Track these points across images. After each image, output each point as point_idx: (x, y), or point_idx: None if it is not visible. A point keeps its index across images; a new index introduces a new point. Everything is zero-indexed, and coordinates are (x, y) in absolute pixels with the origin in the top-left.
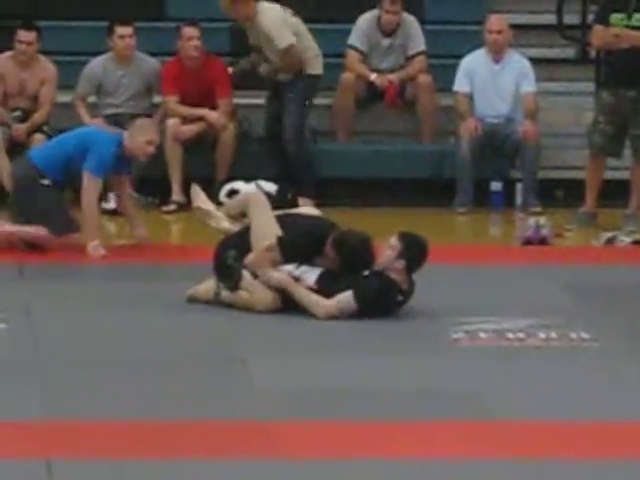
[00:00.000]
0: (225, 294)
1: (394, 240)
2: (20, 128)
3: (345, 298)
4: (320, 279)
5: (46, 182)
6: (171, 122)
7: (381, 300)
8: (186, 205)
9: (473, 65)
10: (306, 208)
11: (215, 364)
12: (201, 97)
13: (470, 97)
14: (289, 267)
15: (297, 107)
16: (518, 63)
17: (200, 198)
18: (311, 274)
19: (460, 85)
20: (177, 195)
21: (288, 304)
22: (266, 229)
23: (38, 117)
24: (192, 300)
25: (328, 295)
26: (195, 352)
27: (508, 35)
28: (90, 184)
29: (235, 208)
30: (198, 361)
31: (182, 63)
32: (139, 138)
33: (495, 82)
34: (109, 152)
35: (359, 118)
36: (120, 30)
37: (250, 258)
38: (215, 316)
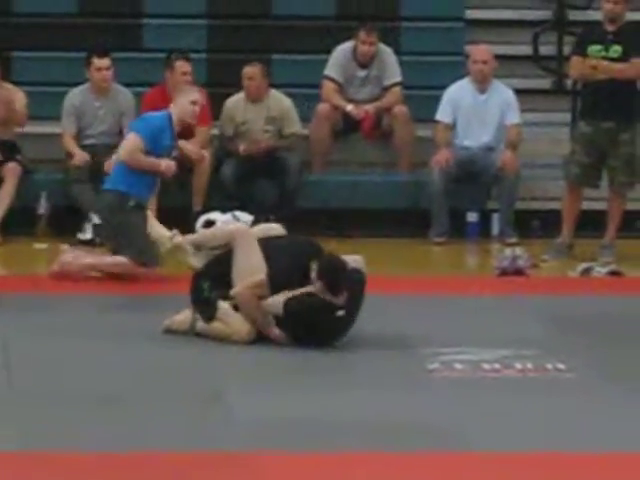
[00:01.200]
0: (201, 325)
1: (314, 265)
2: None
3: (275, 301)
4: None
5: (132, 203)
6: None
7: (308, 315)
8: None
9: (458, 95)
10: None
11: (193, 397)
12: (182, 130)
13: (451, 128)
14: (280, 298)
15: None
16: (503, 93)
17: (159, 230)
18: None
19: (443, 115)
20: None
21: (263, 335)
22: (252, 263)
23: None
24: (168, 331)
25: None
26: (173, 385)
27: (493, 65)
28: (130, 140)
29: (217, 240)
30: (176, 394)
31: (166, 93)
32: (183, 100)
33: (480, 112)
34: (157, 118)
35: (335, 148)
36: (97, 62)
37: (238, 292)
38: (192, 348)
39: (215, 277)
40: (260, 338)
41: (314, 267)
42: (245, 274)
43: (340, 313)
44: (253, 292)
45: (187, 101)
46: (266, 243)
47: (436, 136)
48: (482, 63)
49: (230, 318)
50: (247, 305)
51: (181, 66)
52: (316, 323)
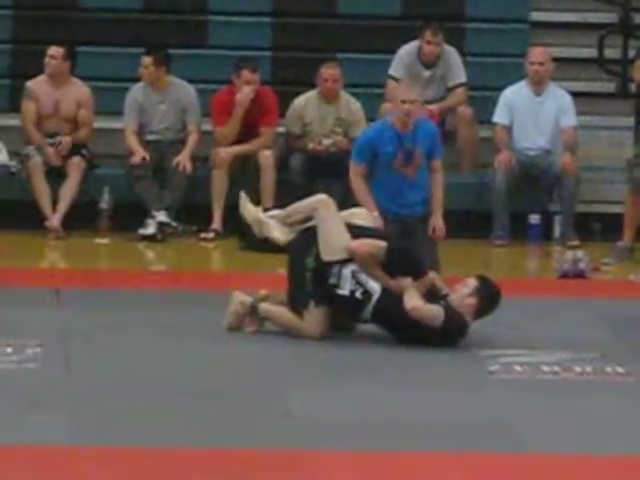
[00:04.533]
0: (265, 307)
1: (471, 279)
2: (62, 144)
3: (436, 308)
4: (384, 292)
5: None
6: (220, 151)
7: (460, 331)
8: (225, 234)
9: (514, 97)
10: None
11: (252, 393)
12: (247, 126)
13: (508, 129)
14: (352, 267)
15: None
16: (559, 97)
17: (247, 206)
18: (373, 284)
19: (499, 117)
20: (217, 224)
21: (332, 335)
22: (340, 230)
23: (80, 135)
24: (232, 326)
25: (385, 310)
26: (233, 381)
27: (550, 67)
28: (351, 170)
29: (300, 213)
30: (236, 390)
31: (234, 94)
32: (394, 102)
33: (535, 115)
34: (365, 135)
35: None
36: (141, 59)
37: (354, 248)
38: (252, 343)
39: (315, 252)
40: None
41: (474, 283)
42: (334, 241)
43: (460, 338)
44: (369, 252)
45: (397, 102)
46: (350, 228)
47: (495, 138)
48: (538, 64)
49: (312, 314)
50: (363, 262)
51: (246, 75)
52: (446, 337)
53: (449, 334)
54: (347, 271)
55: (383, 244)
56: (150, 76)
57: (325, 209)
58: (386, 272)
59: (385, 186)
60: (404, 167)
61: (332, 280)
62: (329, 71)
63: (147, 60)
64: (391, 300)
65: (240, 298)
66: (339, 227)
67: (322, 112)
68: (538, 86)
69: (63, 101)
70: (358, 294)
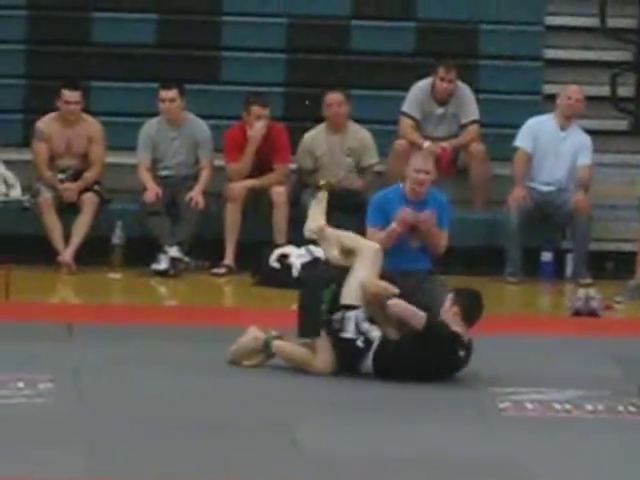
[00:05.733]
0: (278, 344)
1: (450, 293)
2: (70, 187)
3: (420, 312)
4: (383, 339)
5: None
6: (233, 186)
7: (444, 341)
8: (237, 270)
9: (539, 127)
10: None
11: (260, 428)
12: (259, 162)
13: (529, 158)
14: (355, 313)
15: None
16: (581, 135)
17: (317, 215)
18: (374, 332)
19: (523, 142)
20: (229, 259)
21: (341, 370)
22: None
23: (90, 176)
24: (234, 358)
25: (385, 356)
26: (242, 416)
27: (582, 106)
28: (367, 233)
29: (348, 243)
30: (245, 425)
31: (245, 130)
32: (408, 170)
33: (557, 148)
34: (376, 198)
35: None
36: (162, 94)
37: (367, 284)
38: (261, 378)
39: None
40: (338, 372)
41: (450, 295)
42: (355, 287)
43: (462, 353)
44: (378, 293)
45: (410, 170)
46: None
47: (514, 165)
48: (575, 100)
49: (321, 347)
50: (369, 300)
51: (256, 110)
52: (435, 355)
53: (443, 348)
54: (350, 315)
55: (394, 290)
56: (174, 110)
57: (369, 257)
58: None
59: (392, 249)
60: (410, 235)
61: (335, 325)
62: (333, 95)
63: (171, 94)
64: (389, 346)
65: (255, 333)
66: (363, 273)
67: (331, 143)
68: (566, 121)
69: (75, 139)
70: (359, 342)
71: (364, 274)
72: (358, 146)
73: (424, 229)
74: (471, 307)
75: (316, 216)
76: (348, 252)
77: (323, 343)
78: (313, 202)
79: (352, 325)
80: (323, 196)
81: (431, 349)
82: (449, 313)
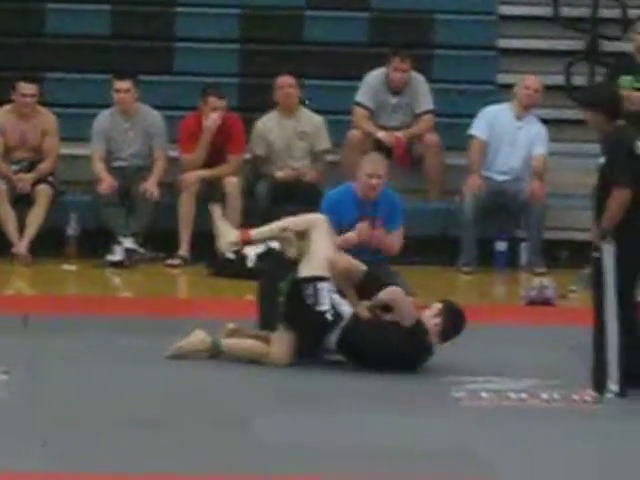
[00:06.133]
0: (230, 342)
1: (436, 303)
2: (24, 178)
3: (414, 312)
4: (353, 317)
5: None
6: (187, 177)
7: (419, 347)
8: (192, 260)
9: (494, 116)
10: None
11: (215, 420)
12: (214, 152)
13: (485, 146)
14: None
15: None
16: (536, 125)
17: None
18: (345, 307)
19: (479, 130)
20: (184, 250)
21: (298, 362)
22: (330, 251)
23: (44, 168)
24: (178, 354)
25: (353, 335)
26: (197, 409)
27: (540, 97)
28: None
29: (298, 225)
30: (198, 417)
31: (201, 120)
32: (359, 172)
33: (513, 138)
34: (328, 199)
35: None
36: (116, 84)
37: (334, 259)
38: (216, 370)
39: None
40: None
41: (438, 305)
42: (317, 260)
43: (426, 360)
44: (349, 268)
45: (362, 174)
46: None
47: (470, 154)
48: (534, 91)
49: (278, 339)
50: (340, 276)
51: (212, 102)
52: (403, 353)
53: (413, 348)
54: (322, 286)
55: (363, 266)
56: (128, 101)
57: (323, 229)
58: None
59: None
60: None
61: (309, 300)
62: (283, 78)
63: (125, 85)
64: (360, 324)
65: (201, 336)
66: (326, 248)
67: (284, 128)
68: (522, 111)
69: (29, 132)
70: (329, 315)
71: (325, 246)
72: (311, 130)
73: (375, 244)
74: (453, 327)
75: (226, 229)
76: (301, 234)
77: (280, 335)
78: (216, 220)
79: (327, 297)
80: (217, 210)
81: (403, 348)
82: (430, 321)
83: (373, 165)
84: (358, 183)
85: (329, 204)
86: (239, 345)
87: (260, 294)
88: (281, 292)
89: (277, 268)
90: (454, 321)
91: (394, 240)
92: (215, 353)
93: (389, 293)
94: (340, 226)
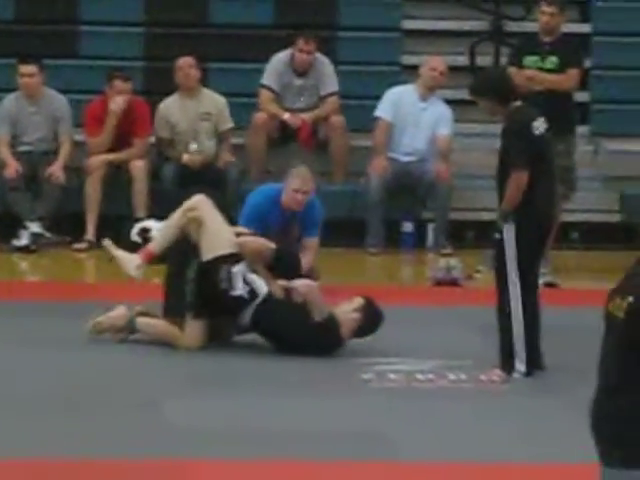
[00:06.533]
0: (143, 321)
1: (357, 298)
2: None
3: (326, 306)
4: (269, 295)
5: None
6: (93, 161)
7: (327, 339)
8: (98, 244)
9: (399, 97)
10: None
11: (127, 403)
12: (120, 136)
13: (390, 128)
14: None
15: None
16: (440, 106)
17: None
18: (259, 283)
19: (384, 112)
20: (90, 234)
21: (210, 344)
22: (224, 228)
23: None
24: (97, 329)
25: (267, 313)
26: (108, 392)
27: (445, 77)
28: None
29: (175, 224)
30: (109, 401)
31: (106, 104)
32: (287, 185)
33: (417, 119)
34: (254, 203)
35: (272, 157)
36: (21, 69)
37: (243, 242)
38: (127, 353)
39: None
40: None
41: (360, 301)
42: (216, 238)
43: (332, 350)
44: (258, 249)
45: (290, 189)
46: None
47: (375, 135)
48: (439, 73)
49: (191, 324)
50: (251, 258)
51: (118, 86)
52: (312, 339)
53: (324, 341)
54: (236, 270)
55: (272, 244)
56: (33, 85)
57: (202, 209)
58: (271, 273)
59: None
60: (281, 238)
61: (223, 285)
62: (182, 59)
63: (30, 69)
64: (274, 303)
65: (123, 311)
66: (220, 224)
67: (187, 109)
68: (427, 92)
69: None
70: (245, 293)
71: (220, 223)
72: (214, 110)
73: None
74: (370, 326)
75: (126, 258)
76: (197, 221)
77: (191, 323)
78: (112, 252)
79: (240, 280)
80: (109, 243)
81: (312, 335)
82: (347, 315)
83: (301, 181)
84: (285, 194)
85: (255, 210)
86: (152, 325)
87: (165, 281)
88: (187, 279)
89: (181, 254)
90: (373, 320)
91: (312, 246)
92: (130, 331)
93: (303, 287)
94: (262, 231)
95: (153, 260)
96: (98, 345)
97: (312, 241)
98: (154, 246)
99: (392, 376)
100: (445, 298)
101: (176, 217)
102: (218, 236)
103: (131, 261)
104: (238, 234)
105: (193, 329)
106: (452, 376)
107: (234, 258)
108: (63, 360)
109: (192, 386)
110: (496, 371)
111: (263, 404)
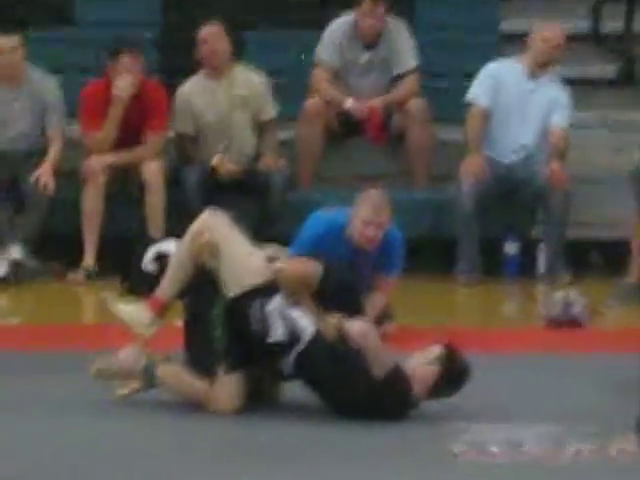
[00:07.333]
0: (165, 370)
1: (436, 346)
2: None
3: (388, 356)
4: (317, 334)
5: None
6: (93, 163)
7: (402, 402)
8: (100, 274)
9: (500, 75)
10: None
11: None
12: (127, 130)
13: (488, 117)
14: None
15: None
16: (555, 88)
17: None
18: (305, 323)
19: (479, 95)
20: (89, 260)
21: (252, 408)
22: (246, 252)
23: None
24: (103, 371)
25: (315, 357)
26: (118, 470)
27: (562, 50)
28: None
29: (184, 256)
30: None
31: (109, 87)
32: (355, 215)
33: (524, 104)
34: (314, 232)
35: (329, 158)
36: None
37: (284, 268)
38: (141, 416)
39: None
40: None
41: (437, 350)
42: (241, 266)
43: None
44: (303, 276)
45: (359, 220)
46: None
47: (468, 127)
48: (554, 47)
49: (223, 381)
50: (292, 289)
51: (124, 63)
52: (383, 404)
53: (387, 399)
54: (272, 308)
55: (319, 266)
56: (13, 63)
57: (214, 229)
58: (320, 305)
59: None
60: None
61: (257, 326)
62: (208, 28)
63: (10, 41)
64: (323, 345)
65: (135, 352)
66: (243, 246)
67: (215, 93)
68: (538, 70)
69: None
70: (284, 337)
71: (242, 244)
72: (251, 95)
73: None
74: (451, 384)
75: (132, 313)
76: (213, 251)
77: (223, 379)
78: (114, 308)
79: (279, 321)
80: (111, 301)
81: (374, 392)
82: (421, 368)
83: (373, 210)
84: (353, 227)
85: (314, 238)
86: (179, 375)
87: (187, 328)
88: (215, 323)
89: (201, 291)
90: (454, 376)
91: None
92: (146, 381)
93: (356, 332)
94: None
95: (165, 309)
96: (103, 406)
97: (389, 280)
98: (162, 292)
99: (493, 448)
100: (562, 343)
101: (183, 247)
102: (242, 263)
103: (140, 317)
104: (271, 259)
105: (226, 386)
106: (573, 447)
107: (268, 291)
108: (52, 428)
109: (226, 459)
110: (631, 439)
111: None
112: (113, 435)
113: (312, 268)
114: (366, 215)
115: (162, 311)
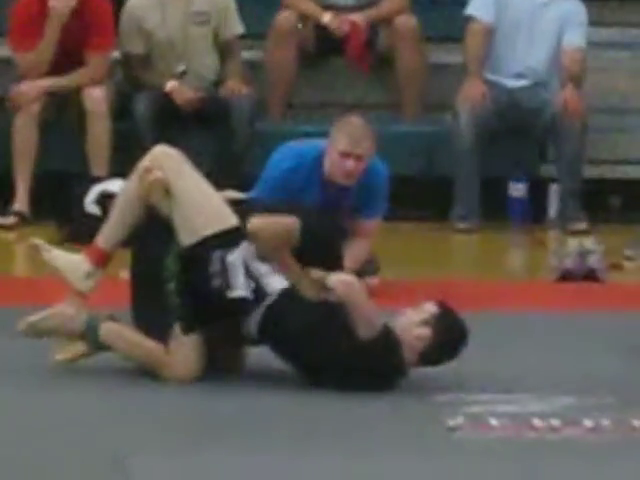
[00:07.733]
0: (110, 329)
1: (429, 304)
2: None
3: (378, 315)
4: (285, 292)
5: None
6: (25, 88)
7: (391, 369)
8: (34, 218)
9: None
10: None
11: (86, 458)
12: (66, 49)
13: (490, 34)
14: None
15: None
16: (569, 1)
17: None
18: (272, 280)
19: (480, 9)
20: (21, 203)
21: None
22: (205, 196)
23: None
24: (36, 329)
25: (281, 317)
26: (59, 447)
27: None
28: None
29: (130, 198)
30: (59, 457)
31: (45, 1)
32: (330, 146)
33: (532, 20)
34: (277, 168)
35: (304, 82)
36: None
37: (258, 225)
38: (83, 391)
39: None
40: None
41: (430, 309)
42: (200, 210)
43: (394, 380)
44: (278, 233)
45: (335, 152)
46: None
47: (467, 46)
48: None
49: (182, 345)
50: (269, 249)
51: None
52: (365, 367)
53: (374, 365)
54: (234, 259)
55: (295, 221)
56: None
57: (166, 167)
58: (299, 260)
59: None
60: None
61: (216, 282)
62: None
63: None
64: (297, 298)
65: (69, 310)
66: (199, 187)
67: (170, 7)
68: None
69: None
70: (247, 292)
71: (193, 184)
72: (212, 9)
73: None
74: (445, 349)
75: (67, 262)
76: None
77: (180, 341)
78: (45, 257)
79: (241, 275)
80: (41, 246)
81: (358, 359)
82: (413, 331)
83: (351, 139)
84: (328, 159)
85: (281, 177)
86: (127, 335)
87: (133, 274)
88: (169, 275)
89: (152, 237)
90: (449, 339)
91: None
92: (90, 342)
93: (340, 286)
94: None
95: (107, 260)
96: (39, 373)
97: (370, 224)
98: (103, 239)
99: (494, 422)
100: (576, 300)
101: (130, 186)
102: (198, 207)
103: (76, 268)
104: (232, 201)
105: (183, 348)
106: (589, 421)
107: (229, 240)
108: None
109: (183, 432)
110: None
111: (288, 465)
112: (50, 408)
113: (291, 223)
114: (343, 145)
115: (103, 261)
